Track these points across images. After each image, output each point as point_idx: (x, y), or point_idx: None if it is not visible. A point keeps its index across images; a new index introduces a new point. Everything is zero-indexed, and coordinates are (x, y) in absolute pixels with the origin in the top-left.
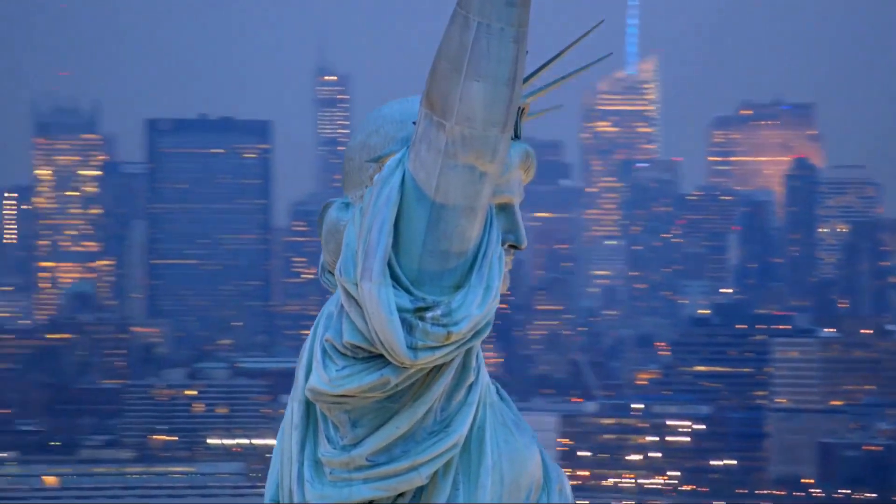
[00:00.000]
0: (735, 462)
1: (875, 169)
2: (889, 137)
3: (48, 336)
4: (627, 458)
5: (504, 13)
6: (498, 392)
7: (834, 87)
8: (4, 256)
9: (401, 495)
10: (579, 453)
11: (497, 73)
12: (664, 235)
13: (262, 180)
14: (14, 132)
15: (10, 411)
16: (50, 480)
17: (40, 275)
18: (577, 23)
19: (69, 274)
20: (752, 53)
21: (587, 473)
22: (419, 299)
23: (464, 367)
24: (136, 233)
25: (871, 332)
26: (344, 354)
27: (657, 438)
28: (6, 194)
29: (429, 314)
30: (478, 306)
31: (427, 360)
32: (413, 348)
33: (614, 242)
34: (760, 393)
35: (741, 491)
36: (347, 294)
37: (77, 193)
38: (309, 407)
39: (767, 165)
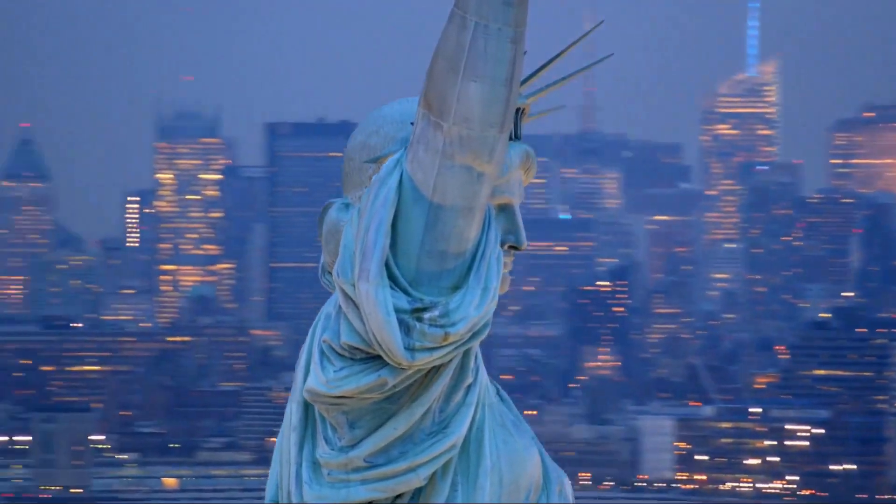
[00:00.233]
0: (855, 467)
1: None
2: None
3: (169, 339)
4: (745, 462)
5: (501, 13)
6: (498, 393)
7: None
8: (127, 260)
9: (399, 496)
10: (696, 457)
11: (495, 73)
12: (784, 238)
13: None
14: (137, 136)
15: (130, 413)
16: (169, 482)
17: (162, 278)
18: (699, 25)
19: (190, 277)
20: (875, 55)
21: (704, 477)
22: (417, 300)
23: (462, 369)
24: (255, 236)
25: None
26: (342, 355)
27: (775, 442)
28: (129, 198)
29: (426, 315)
30: (475, 307)
31: (424, 361)
32: (410, 349)
33: (734, 245)
34: (881, 398)
35: (861, 496)
36: (345, 295)
37: (198, 197)
38: (307, 408)
39: (890, 168)
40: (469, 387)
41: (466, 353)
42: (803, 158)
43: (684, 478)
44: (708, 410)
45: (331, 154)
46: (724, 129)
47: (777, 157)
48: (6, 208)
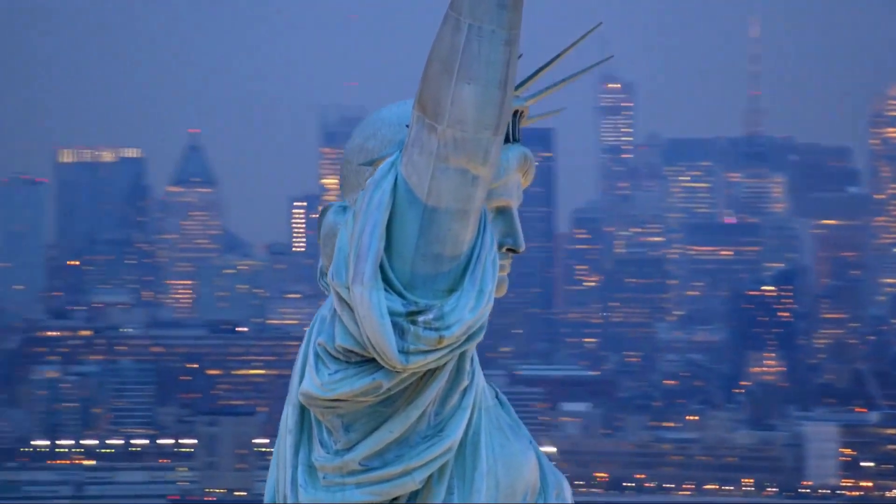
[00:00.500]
0: None
1: None
2: None
3: None
4: None
5: (495, 15)
6: (497, 396)
7: None
8: (293, 264)
9: (395, 500)
10: (862, 464)
11: (488, 75)
12: None
13: (545, 188)
14: (302, 142)
15: None
16: None
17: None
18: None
19: None
20: None
21: (870, 484)
22: (412, 303)
23: (458, 371)
24: None
25: None
26: (336, 358)
27: None
28: (295, 203)
29: (421, 318)
30: (470, 310)
31: (419, 364)
32: (405, 352)
33: None
34: None
35: None
36: (340, 298)
37: None
38: (303, 411)
39: None
40: (465, 390)
41: (462, 357)
42: None
43: (849, 484)
44: (874, 416)
45: None
46: (893, 132)
47: None
48: (175, 213)
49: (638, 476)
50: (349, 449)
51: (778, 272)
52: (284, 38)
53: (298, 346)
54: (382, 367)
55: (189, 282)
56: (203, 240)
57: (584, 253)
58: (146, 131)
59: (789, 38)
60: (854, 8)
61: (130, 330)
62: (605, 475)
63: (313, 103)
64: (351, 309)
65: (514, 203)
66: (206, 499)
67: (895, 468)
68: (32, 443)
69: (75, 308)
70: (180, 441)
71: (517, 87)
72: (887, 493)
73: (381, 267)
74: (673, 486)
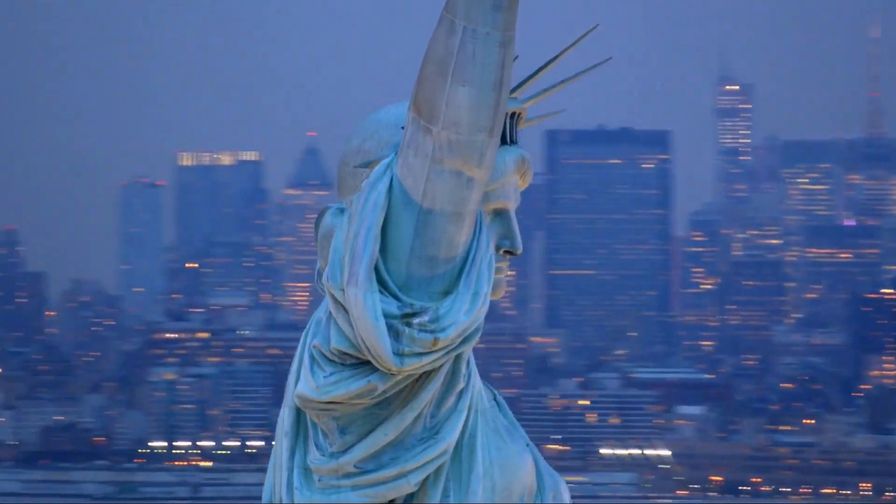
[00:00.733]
0: None
1: None
2: None
3: None
4: None
5: (490, 17)
6: (495, 398)
7: None
8: None
9: (391, 502)
10: None
11: (483, 77)
12: None
13: (661, 190)
14: None
15: None
16: None
17: None
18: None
19: None
20: None
21: None
22: (407, 305)
23: (453, 374)
24: (535, 243)
25: None
26: (332, 361)
27: None
28: None
29: (416, 320)
30: (465, 312)
31: (414, 366)
32: (399, 354)
33: None
34: None
35: None
36: (335, 300)
37: None
38: (299, 414)
39: None
40: (461, 392)
41: (458, 359)
42: None
43: None
44: None
45: (611, 161)
46: None
47: None
48: (292, 216)
49: (754, 480)
50: (344, 451)
51: None
52: (403, 39)
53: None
54: (377, 370)
55: (306, 284)
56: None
57: (701, 255)
58: (265, 134)
59: None
60: None
61: (247, 332)
62: (721, 478)
63: None
64: (346, 311)
65: (512, 205)
66: None
67: None
68: (150, 444)
69: (193, 310)
70: None
71: (514, 90)
72: None
73: (377, 269)
74: (789, 489)
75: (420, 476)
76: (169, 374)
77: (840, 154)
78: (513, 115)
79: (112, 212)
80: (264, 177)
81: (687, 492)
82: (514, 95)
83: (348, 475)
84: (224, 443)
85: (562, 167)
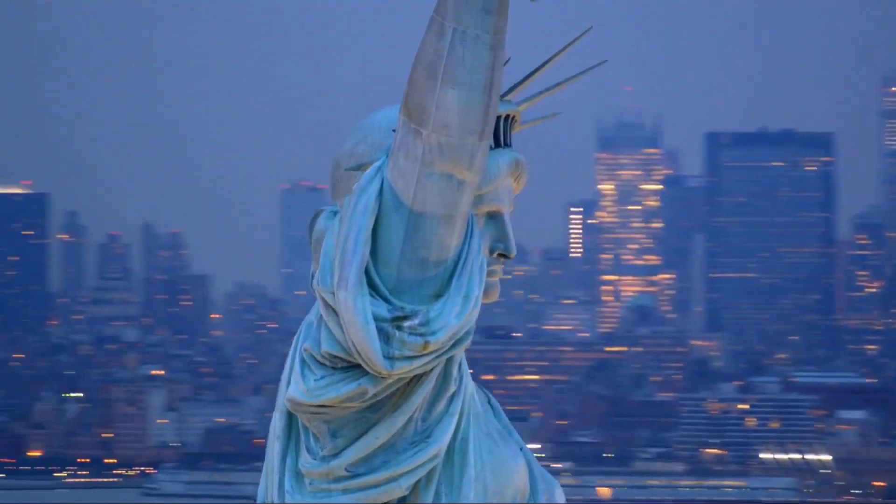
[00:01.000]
0: None
1: None
2: None
3: (607, 349)
4: None
5: (480, 20)
6: (489, 402)
7: None
8: (569, 270)
9: None
10: None
11: (473, 80)
12: None
13: (824, 193)
14: (579, 147)
15: (566, 422)
16: (603, 491)
17: (603, 288)
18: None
19: (631, 287)
20: None
21: None
22: (397, 308)
23: (444, 377)
24: (696, 246)
25: None
26: (322, 364)
27: None
28: (571, 209)
29: (406, 323)
30: (456, 315)
31: (404, 369)
32: (390, 358)
33: None
34: None
35: None
36: (325, 303)
37: (639, 207)
38: (291, 418)
39: None
40: (452, 396)
41: (449, 362)
42: None
43: None
44: None
45: (773, 164)
46: None
47: None
48: None
49: None
50: (335, 455)
51: None
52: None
53: (572, 351)
54: (368, 373)
55: None
56: None
57: (866, 259)
58: None
59: None
60: None
61: None
62: (883, 484)
63: (589, 108)
64: (336, 314)
65: (506, 208)
66: None
67: None
68: None
69: None
70: None
71: (508, 92)
72: None
73: (367, 272)
74: None
75: (411, 480)
76: None
77: None
78: (507, 117)
79: (275, 215)
80: None
81: (849, 497)
82: (507, 98)
83: (339, 479)
84: None
85: (723, 170)
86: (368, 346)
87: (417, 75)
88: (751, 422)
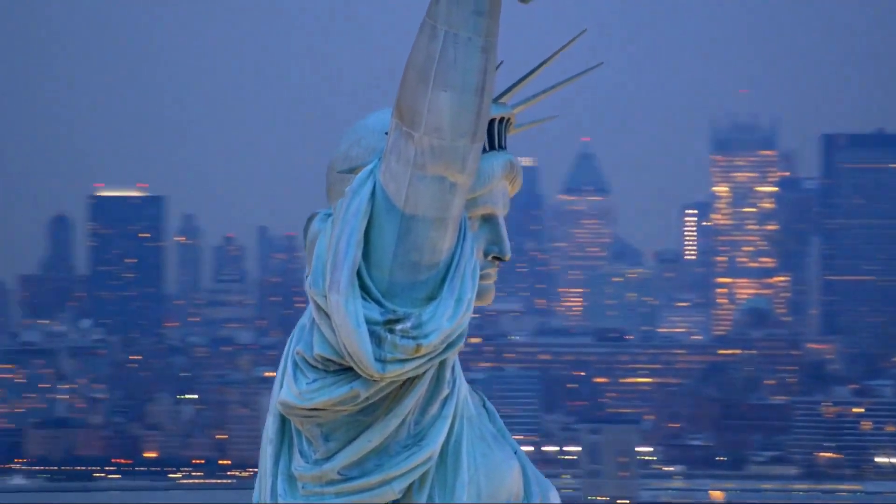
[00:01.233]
0: None
1: None
2: None
3: (720, 351)
4: None
5: (471, 22)
6: (484, 405)
7: None
8: (683, 272)
9: None
10: None
11: (464, 83)
12: None
13: None
14: (693, 149)
15: (679, 425)
16: (716, 495)
17: (718, 290)
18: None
19: (745, 290)
20: None
21: None
22: (389, 311)
23: (437, 380)
24: (811, 248)
25: None
26: (315, 367)
27: None
28: (686, 211)
29: (398, 326)
30: (448, 319)
31: (396, 373)
32: (381, 361)
33: None
34: None
35: None
36: (317, 306)
37: (754, 209)
38: (284, 421)
39: None
40: (445, 399)
41: (442, 365)
42: None
43: None
44: None
45: (890, 165)
46: None
47: None
48: (567, 221)
49: None
50: (328, 458)
51: None
52: (679, 44)
53: (685, 354)
54: (360, 376)
55: (580, 290)
56: (594, 248)
57: None
58: (539, 140)
59: None
60: None
61: (518, 337)
62: None
63: (705, 110)
64: (328, 317)
65: (500, 211)
66: None
67: None
68: None
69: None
70: (564, 449)
71: (502, 95)
72: None
73: (359, 275)
74: None
75: (404, 483)
76: None
77: None
78: (501, 120)
79: None
80: (539, 182)
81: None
82: (502, 101)
83: (332, 482)
84: None
85: (839, 172)
86: (360, 349)
87: (409, 78)
88: (866, 425)
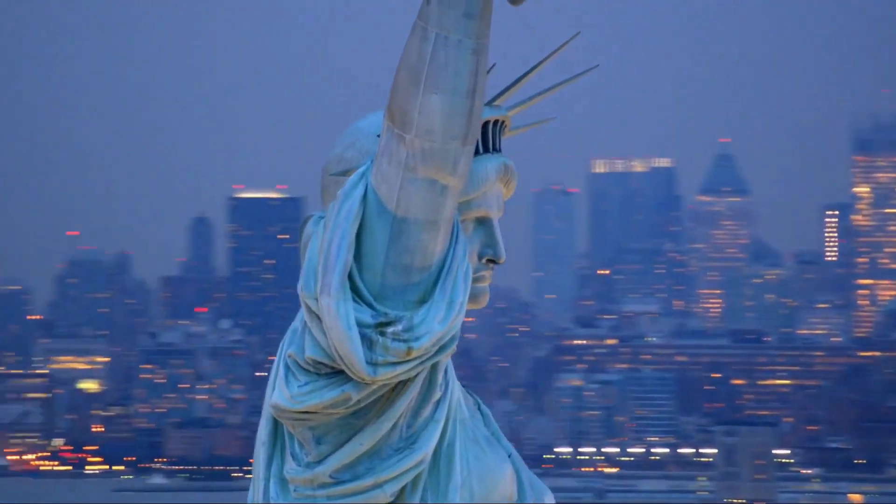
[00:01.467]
0: None
1: None
2: None
3: (860, 353)
4: None
5: (462, 25)
6: (479, 408)
7: None
8: (823, 273)
9: None
10: None
11: (455, 85)
12: None
13: None
14: (834, 150)
15: (818, 428)
16: (854, 498)
17: (858, 292)
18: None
19: (887, 291)
20: None
21: None
22: (381, 314)
23: (430, 383)
24: None
25: None
26: (306, 370)
27: None
28: (827, 212)
29: (390, 329)
30: (440, 322)
31: (388, 376)
32: (373, 364)
33: None
34: None
35: None
36: (308, 309)
37: (895, 211)
38: (277, 424)
39: None
40: (438, 402)
41: (434, 368)
42: None
43: None
44: None
45: None
46: None
47: None
48: (705, 223)
49: None
50: (320, 461)
51: None
52: (820, 43)
53: (823, 356)
54: (352, 379)
55: (718, 291)
56: (732, 248)
57: None
58: (677, 141)
59: None
60: None
61: (654, 339)
62: None
63: (846, 110)
64: (320, 320)
65: (495, 213)
66: None
67: None
68: (556, 450)
69: (603, 317)
70: (700, 451)
71: (497, 97)
72: None
73: (351, 278)
74: None
75: (396, 486)
76: (575, 381)
77: None
78: (496, 123)
79: (525, 218)
80: (677, 183)
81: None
82: (497, 104)
83: (324, 485)
84: (628, 449)
85: None
86: (351, 352)
87: (401, 80)
88: None
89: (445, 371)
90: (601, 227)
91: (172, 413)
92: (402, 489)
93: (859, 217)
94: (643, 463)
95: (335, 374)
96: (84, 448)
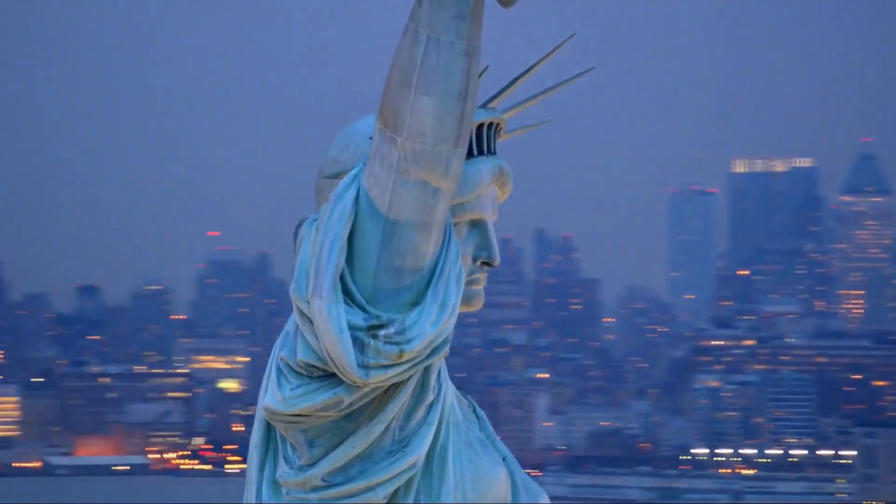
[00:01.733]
0: None
1: None
2: None
3: None
4: None
5: (453, 26)
6: (474, 411)
7: None
8: None
9: None
10: None
11: (447, 87)
12: None
13: None
14: None
15: None
16: None
17: None
18: None
19: None
20: None
21: None
22: (373, 317)
23: (422, 386)
24: None
25: None
26: (298, 373)
27: None
28: None
29: (381, 332)
30: (432, 324)
31: (380, 378)
32: (364, 367)
33: None
34: None
35: None
36: (300, 312)
37: None
38: (269, 427)
39: None
40: (431, 405)
41: (427, 371)
42: None
43: None
44: None
45: None
46: None
47: None
48: (847, 223)
49: None
50: (312, 464)
51: None
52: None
53: None
54: (344, 382)
55: (860, 292)
56: (875, 249)
57: None
58: (818, 140)
59: None
60: None
61: (793, 340)
62: None
63: None
64: (311, 323)
65: (489, 216)
66: None
67: None
68: (692, 451)
69: (741, 317)
70: (839, 453)
71: (491, 100)
72: None
73: (343, 280)
74: None
75: (389, 489)
76: (713, 382)
77: None
78: (491, 125)
79: (663, 218)
80: (818, 183)
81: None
82: (492, 106)
83: (316, 488)
84: (766, 451)
85: None
86: (342, 355)
87: (392, 82)
88: None
89: (438, 373)
90: (741, 227)
91: None
92: (395, 492)
93: None
94: (781, 465)
95: (327, 376)
96: (224, 447)
